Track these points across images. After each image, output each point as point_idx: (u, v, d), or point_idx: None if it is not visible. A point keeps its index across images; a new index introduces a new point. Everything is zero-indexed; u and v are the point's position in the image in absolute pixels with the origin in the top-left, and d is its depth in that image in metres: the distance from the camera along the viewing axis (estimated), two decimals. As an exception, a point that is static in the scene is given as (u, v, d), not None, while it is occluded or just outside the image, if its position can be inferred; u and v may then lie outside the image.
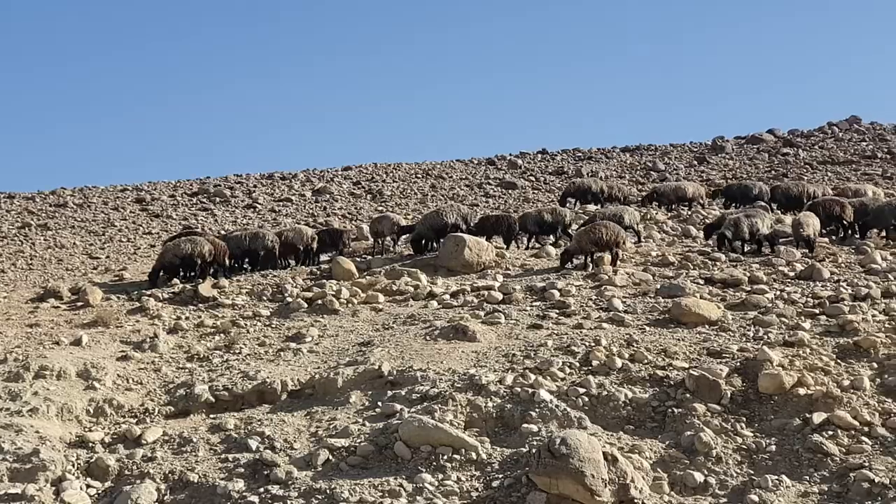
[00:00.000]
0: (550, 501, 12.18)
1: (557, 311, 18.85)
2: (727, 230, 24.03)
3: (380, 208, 40.48)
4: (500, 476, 12.80)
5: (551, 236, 27.10)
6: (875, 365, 15.29)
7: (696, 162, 57.47)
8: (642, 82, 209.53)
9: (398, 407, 14.58)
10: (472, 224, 26.50)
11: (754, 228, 24.00)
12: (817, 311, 17.89)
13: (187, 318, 20.47)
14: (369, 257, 26.18)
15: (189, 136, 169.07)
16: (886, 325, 16.66)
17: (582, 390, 14.73)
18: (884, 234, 25.95)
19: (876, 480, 12.31)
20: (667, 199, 34.28)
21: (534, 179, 49.93)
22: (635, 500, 12.20)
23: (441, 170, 53.15)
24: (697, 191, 35.13)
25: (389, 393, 15.26)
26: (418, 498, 12.47)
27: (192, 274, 24.22)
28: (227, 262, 24.61)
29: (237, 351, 18.21)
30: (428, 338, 17.66)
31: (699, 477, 12.83)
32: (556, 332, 17.55)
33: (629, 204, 33.91)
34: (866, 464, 12.70)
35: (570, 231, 26.70)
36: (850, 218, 26.00)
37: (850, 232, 26.02)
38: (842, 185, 37.01)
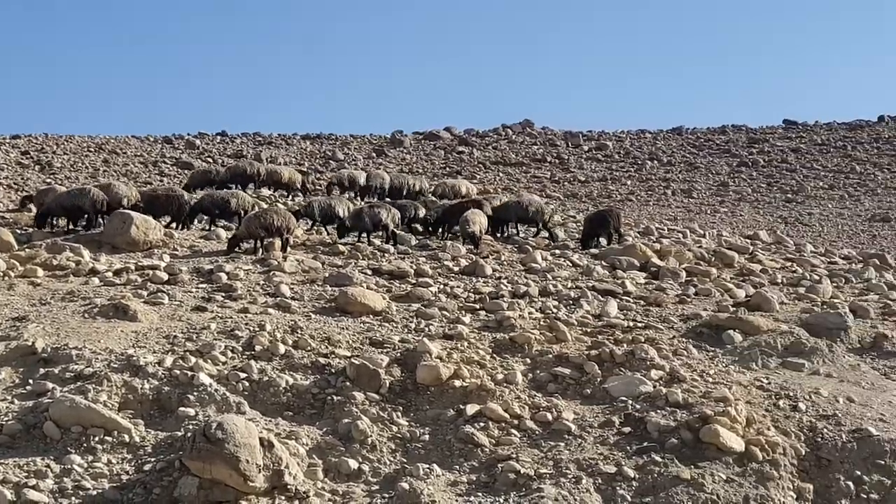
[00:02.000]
0: (203, 486, 11.99)
1: (223, 294, 18.61)
2: (348, 221, 24.51)
3: (48, 180, 38.92)
4: (153, 459, 12.52)
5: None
6: (528, 360, 15.87)
7: (374, 154, 58.24)
8: (329, 71, 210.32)
9: (50, 385, 13.99)
10: (103, 207, 25.15)
11: (376, 219, 24.42)
12: (478, 306, 18.45)
13: None
14: (31, 230, 25.03)
15: None
16: (541, 323, 17.33)
17: (243, 375, 14.60)
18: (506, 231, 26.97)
19: (522, 472, 12.77)
20: (261, 183, 33.76)
21: (211, 161, 49.28)
22: (289, 486, 12.20)
23: (115, 145, 51.72)
24: (293, 175, 34.76)
25: (42, 371, 14.61)
26: (65, 479, 12.04)
27: None
28: None
29: None
30: (87, 315, 17.04)
31: (353, 464, 12.97)
32: (220, 315, 17.32)
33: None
34: (514, 455, 13.16)
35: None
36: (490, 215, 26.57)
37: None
38: (443, 181, 37.97)
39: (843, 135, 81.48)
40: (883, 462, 13.71)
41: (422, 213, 27.28)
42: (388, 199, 30.42)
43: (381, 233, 24.80)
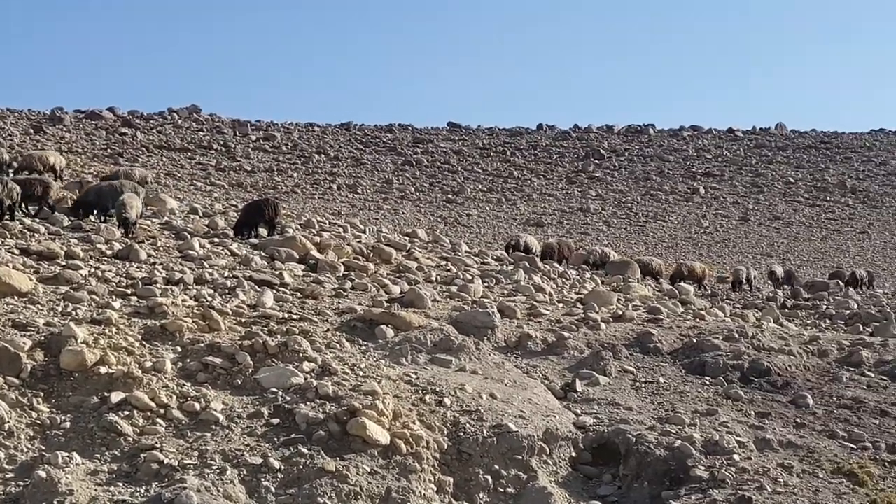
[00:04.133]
0: None
1: None
2: None
3: None
4: None
5: None
6: (179, 349, 15.57)
7: (32, 130, 55.89)
8: None
9: None
10: None
11: None
12: (129, 291, 17.94)
13: None
14: None
15: None
16: (195, 311, 17.04)
17: None
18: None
19: (165, 462, 12.49)
20: None
21: None
22: (-86, 473, 11.54)
23: None
24: None
25: None
26: None
27: None
28: None
29: None
30: None
31: None
32: None
33: None
34: (158, 445, 12.87)
35: None
36: (53, 198, 25.55)
37: (48, 209, 25.17)
38: None
39: (503, 140, 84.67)
40: (520, 457, 14.27)
41: None
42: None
43: None
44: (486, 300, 21.41)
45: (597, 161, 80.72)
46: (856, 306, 32.87)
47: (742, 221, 67.86)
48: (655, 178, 78.09)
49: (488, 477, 13.93)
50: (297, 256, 22.99)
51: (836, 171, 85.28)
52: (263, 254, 22.93)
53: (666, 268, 37.86)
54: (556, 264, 31.66)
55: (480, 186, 68.85)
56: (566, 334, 19.42)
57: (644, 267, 35.29)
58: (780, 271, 43.13)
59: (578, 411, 16.31)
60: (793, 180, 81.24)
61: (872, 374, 19.21)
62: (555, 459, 14.65)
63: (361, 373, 15.49)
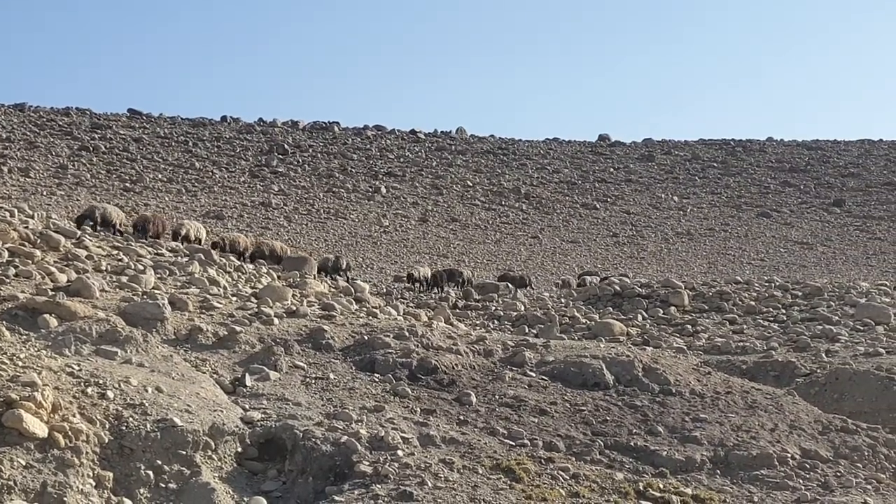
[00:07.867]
0: None
1: None
2: None
3: None
4: None
5: None
6: None
7: None
8: None
9: None
10: None
11: None
12: None
13: None
14: None
15: None
16: None
17: None
18: None
19: None
20: None
21: None
22: None
23: None
24: None
25: None
26: None
27: None
28: None
29: None
30: None
31: None
32: None
33: None
34: None
35: None
36: None
37: None
38: None
39: (186, 130, 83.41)
40: (184, 452, 14.03)
41: None
42: None
43: None
44: (157, 291, 20.96)
45: (280, 156, 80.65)
46: (523, 308, 34.19)
47: (421, 222, 69.38)
48: (338, 175, 78.83)
49: (150, 472, 13.65)
50: (-41, 241, 21.84)
51: (512, 177, 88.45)
52: (-82, 237, 21.68)
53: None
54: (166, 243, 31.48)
55: (160, 176, 67.66)
56: (238, 328, 19.26)
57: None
58: (420, 273, 43.65)
59: (247, 406, 16.17)
60: (471, 184, 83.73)
61: (534, 374, 19.94)
62: (220, 455, 14.49)
63: (21, 363, 14.86)
